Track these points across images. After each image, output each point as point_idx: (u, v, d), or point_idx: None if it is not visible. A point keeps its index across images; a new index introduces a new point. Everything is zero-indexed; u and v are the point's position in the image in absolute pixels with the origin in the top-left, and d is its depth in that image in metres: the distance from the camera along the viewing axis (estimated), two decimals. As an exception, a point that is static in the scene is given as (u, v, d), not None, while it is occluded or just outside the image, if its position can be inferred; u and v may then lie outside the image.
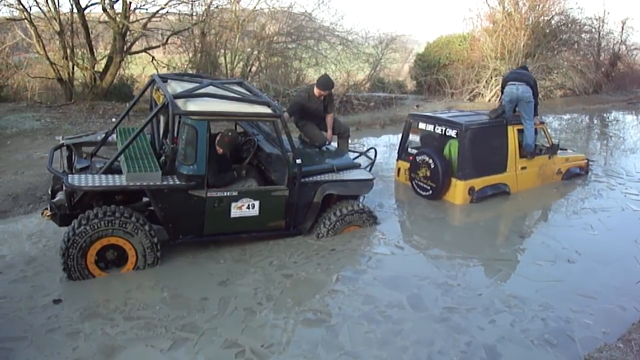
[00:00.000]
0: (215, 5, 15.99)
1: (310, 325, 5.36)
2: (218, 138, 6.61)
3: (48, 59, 15.06)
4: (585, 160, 10.92)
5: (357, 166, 7.81)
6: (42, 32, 15.32)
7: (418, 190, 9.23)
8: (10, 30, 16.39)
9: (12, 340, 4.94)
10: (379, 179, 10.37)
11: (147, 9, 15.76)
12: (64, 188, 6.02)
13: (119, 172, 6.13)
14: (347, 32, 18.23)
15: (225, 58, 15.97)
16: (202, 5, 15.78)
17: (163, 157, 6.46)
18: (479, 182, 8.99)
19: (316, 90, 7.93)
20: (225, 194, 6.39)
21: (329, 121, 8.35)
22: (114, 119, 12.95)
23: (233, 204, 6.45)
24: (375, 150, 8.75)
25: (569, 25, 21.60)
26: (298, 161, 6.65)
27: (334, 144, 8.62)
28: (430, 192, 8.99)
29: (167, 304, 5.63)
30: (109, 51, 16.01)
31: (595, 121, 18.71)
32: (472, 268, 6.79)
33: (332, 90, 8.35)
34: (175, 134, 6.22)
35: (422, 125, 9.56)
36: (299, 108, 8.06)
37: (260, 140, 7.45)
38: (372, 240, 7.47)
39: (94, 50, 15.85)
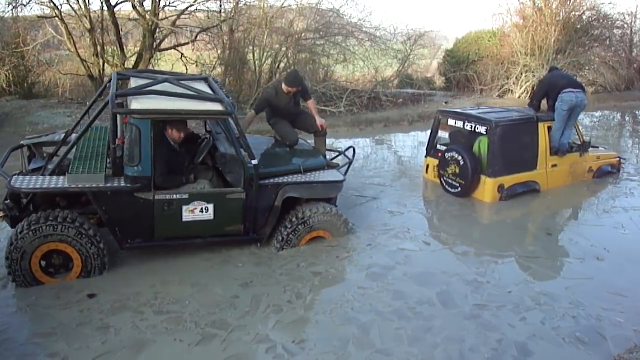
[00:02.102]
0: (244, 2, 16.07)
1: (342, 323, 5.37)
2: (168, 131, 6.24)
3: (79, 56, 15.29)
4: (617, 159, 10.76)
5: (335, 166, 7.55)
6: (73, 30, 15.56)
7: (447, 187, 9.18)
8: (42, 28, 16.67)
9: (41, 337, 5.01)
10: (406, 176, 10.38)
11: (176, 7, 15.92)
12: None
13: None
14: (376, 29, 18.15)
15: (253, 55, 16.02)
16: (230, 2, 15.88)
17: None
18: (508, 180, 8.90)
19: (284, 87, 7.54)
20: (175, 196, 6.01)
21: (312, 107, 8.06)
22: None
23: (184, 207, 6.07)
24: (354, 150, 8.22)
25: (601, 20, 21.27)
26: (254, 162, 6.22)
27: (309, 142, 8.23)
28: (460, 189, 8.94)
29: (197, 299, 5.69)
30: (138, 48, 16.18)
31: (627, 118, 18.43)
32: (501, 265, 6.75)
33: (304, 85, 7.97)
34: (121, 134, 5.98)
35: (451, 122, 9.51)
36: (267, 105, 7.70)
37: (220, 140, 6.99)
38: (400, 236, 7.47)
39: (124, 47, 16.04)
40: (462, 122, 9.25)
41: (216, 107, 6.09)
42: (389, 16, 46.09)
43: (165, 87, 6.22)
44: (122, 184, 5.82)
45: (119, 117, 5.97)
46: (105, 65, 15.61)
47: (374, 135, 14.42)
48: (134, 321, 5.26)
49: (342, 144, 13.12)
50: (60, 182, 5.70)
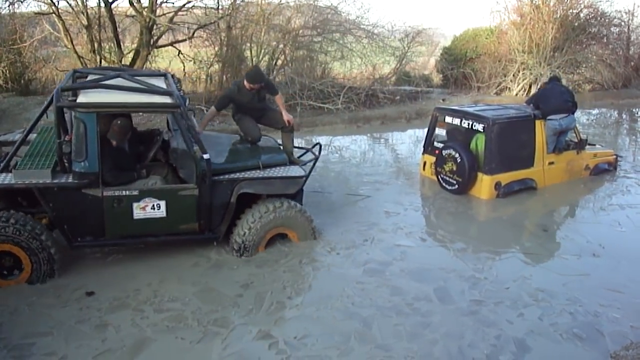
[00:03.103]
0: (241, -1, 16.06)
1: (343, 318, 5.41)
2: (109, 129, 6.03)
3: (76, 52, 15.23)
4: (614, 156, 10.77)
5: (300, 162, 7.43)
6: (70, 26, 15.51)
7: (444, 184, 9.19)
8: (39, 24, 16.61)
9: (39, 335, 5.01)
10: (403, 173, 10.38)
11: (173, 3, 15.92)
12: None
13: None
14: (373, 26, 18.17)
15: (251, 52, 16.02)
16: (227, -1, 15.86)
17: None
18: (505, 177, 8.92)
19: (246, 83, 7.26)
20: (124, 193, 5.84)
21: (279, 102, 7.81)
22: (141, 112, 13.05)
23: (135, 205, 5.90)
24: (320, 146, 7.89)
25: (598, 18, 21.23)
26: (206, 156, 6.00)
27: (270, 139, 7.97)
28: (456, 186, 8.95)
29: (197, 297, 5.72)
30: (135, 45, 16.14)
31: (624, 116, 18.44)
32: (498, 261, 6.78)
33: (266, 80, 7.66)
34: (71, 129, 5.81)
35: (448, 119, 9.51)
36: (228, 102, 7.52)
37: (176, 136, 6.67)
38: (397, 233, 7.51)
39: (121, 44, 15.99)
40: (459, 120, 9.25)
41: (163, 99, 5.97)
42: (387, 13, 46.19)
43: (118, 82, 6.11)
44: (70, 180, 5.69)
45: (70, 112, 5.85)
46: (102, 61, 15.55)
47: (371, 132, 14.43)
48: (133, 319, 5.27)
49: (340, 141, 13.16)
50: (6, 179, 5.60)
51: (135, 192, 5.89)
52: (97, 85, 5.94)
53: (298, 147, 8.34)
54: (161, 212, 6.02)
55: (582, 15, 20.73)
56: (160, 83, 6.55)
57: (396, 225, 7.74)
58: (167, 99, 5.96)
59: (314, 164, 7.61)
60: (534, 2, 19.90)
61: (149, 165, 6.64)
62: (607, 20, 21.56)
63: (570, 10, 20.13)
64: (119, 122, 6.03)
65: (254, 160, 6.69)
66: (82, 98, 5.67)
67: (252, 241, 6.49)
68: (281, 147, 7.60)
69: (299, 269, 6.36)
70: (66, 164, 5.77)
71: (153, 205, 5.97)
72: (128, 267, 6.28)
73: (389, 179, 10.05)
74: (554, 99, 9.34)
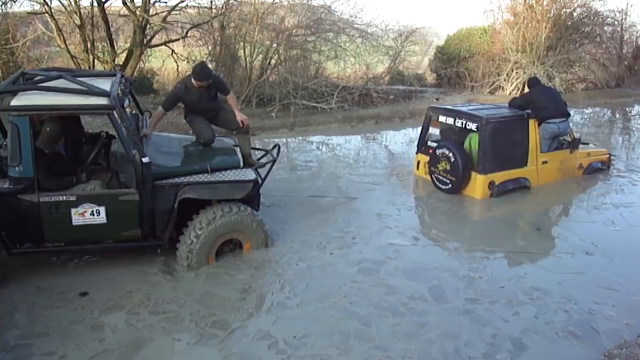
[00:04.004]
0: (235, -2, 16.03)
1: (341, 317, 5.42)
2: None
3: (69, 52, 15.16)
4: (607, 155, 10.78)
5: (260, 166, 7.19)
6: (63, 26, 15.41)
7: (437, 183, 9.18)
8: (32, 24, 16.51)
9: (35, 336, 4.99)
10: (397, 172, 10.38)
11: (166, 2, 15.79)
12: None
13: None
14: (367, 25, 18.11)
15: (244, 51, 15.98)
16: (221, -2, 15.83)
17: None
18: (499, 176, 8.92)
19: (193, 81, 6.87)
20: (61, 198, 5.59)
21: (231, 102, 7.42)
22: (133, 111, 13.01)
23: (73, 210, 5.63)
24: (279, 148, 7.59)
25: (591, 17, 21.27)
26: (145, 160, 5.71)
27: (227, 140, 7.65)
28: (450, 185, 8.95)
29: (195, 299, 5.71)
30: (129, 44, 16.08)
31: (617, 115, 18.47)
32: (492, 260, 6.78)
33: (215, 78, 7.25)
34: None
35: (442, 119, 9.50)
36: (175, 101, 7.09)
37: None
38: (390, 232, 7.52)
39: (114, 43, 15.91)
40: (452, 119, 9.25)
41: (98, 101, 5.64)
42: (380, 12, 46.07)
43: (58, 83, 5.80)
44: (6, 185, 5.53)
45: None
46: (96, 61, 15.50)
47: (364, 132, 14.41)
48: (128, 320, 5.26)
49: (334, 140, 13.17)
50: None
51: (73, 198, 5.65)
52: (34, 87, 5.69)
53: (256, 149, 8.12)
54: (101, 218, 5.76)
55: (575, 14, 20.78)
56: (105, 84, 6.14)
57: (390, 225, 7.74)
58: (102, 101, 5.62)
59: (272, 167, 7.35)
60: (527, 1, 19.92)
61: (92, 169, 6.35)
62: (600, 19, 21.62)
63: (564, 10, 20.18)
64: (47, 128, 5.76)
65: (202, 164, 6.35)
66: (15, 101, 5.46)
67: (200, 250, 6.12)
68: (236, 149, 7.16)
69: (294, 270, 6.35)
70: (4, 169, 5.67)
71: (92, 211, 5.71)
72: (119, 269, 6.23)
73: (383, 179, 10.05)
74: (548, 102, 9.31)
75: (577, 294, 5.92)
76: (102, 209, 5.73)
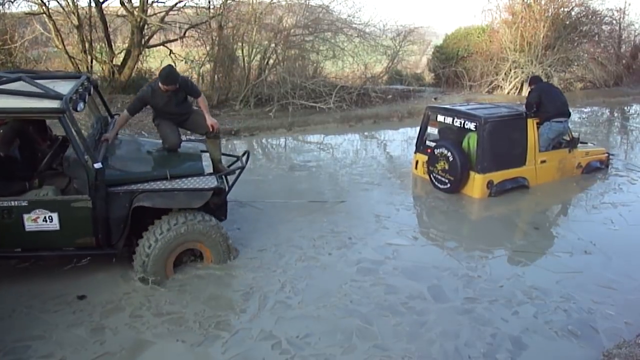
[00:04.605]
0: (233, -2, 16.03)
1: (343, 315, 5.43)
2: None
3: (67, 53, 15.18)
4: (606, 154, 10.79)
5: (227, 172, 6.87)
6: (61, 26, 15.45)
7: (436, 183, 9.18)
8: (29, 25, 16.51)
9: (32, 339, 4.97)
10: (395, 172, 10.37)
11: (164, 2, 15.87)
12: None
13: None
14: (365, 25, 18.13)
15: (242, 51, 15.98)
16: (219, -2, 15.83)
17: None
18: (497, 176, 8.92)
19: (161, 85, 6.55)
20: (13, 203, 5.39)
21: (202, 105, 6.98)
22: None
23: (26, 216, 5.44)
24: (248, 155, 7.18)
25: (589, 16, 21.31)
26: (97, 165, 5.47)
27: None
28: (449, 185, 8.94)
29: (194, 300, 5.70)
30: (127, 45, 16.11)
31: (615, 114, 18.50)
32: (491, 260, 6.77)
33: (183, 81, 6.85)
34: None
35: (440, 118, 9.50)
36: (141, 105, 6.79)
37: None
38: (389, 231, 7.52)
39: (112, 44, 15.96)
40: (451, 118, 9.25)
41: (50, 104, 5.39)
42: (379, 12, 46.09)
43: (16, 85, 5.61)
44: None
45: None
46: (94, 61, 15.52)
47: (363, 132, 14.43)
48: (130, 322, 5.25)
49: (332, 140, 13.16)
50: None
51: (25, 203, 5.44)
52: None
53: (227, 155, 7.78)
54: (54, 225, 5.55)
55: (573, 13, 20.82)
56: (66, 86, 5.92)
57: (388, 224, 7.74)
58: (54, 104, 5.36)
59: (240, 173, 6.93)
60: (525, 0, 19.95)
61: (50, 174, 6.20)
62: (598, 18, 21.66)
63: (562, 9, 20.21)
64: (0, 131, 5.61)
65: (161, 170, 6.10)
66: None
67: (156, 260, 5.85)
68: (202, 155, 6.88)
69: (293, 270, 6.34)
70: None
71: (45, 217, 5.50)
72: (118, 271, 6.18)
73: (381, 178, 10.04)
74: (555, 99, 9.34)
75: (576, 293, 5.92)
76: (55, 215, 5.53)
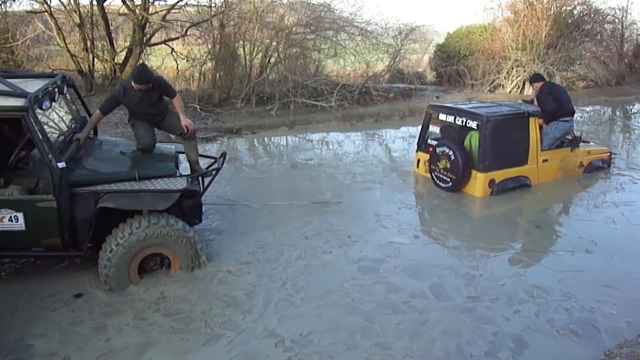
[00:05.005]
0: (234, -3, 16.02)
1: (345, 313, 5.44)
2: None
3: (68, 51, 15.20)
4: (608, 153, 10.75)
5: (203, 172, 6.76)
6: (63, 25, 15.47)
7: (437, 182, 9.17)
8: (31, 23, 16.54)
9: (35, 337, 4.98)
10: (397, 171, 10.36)
11: (166, 1, 15.86)
12: None
13: None
14: (367, 23, 18.08)
15: (244, 49, 15.97)
16: (220, -4, 15.82)
17: None
18: (499, 175, 8.91)
19: (133, 84, 6.38)
20: None
21: (176, 105, 6.72)
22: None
23: None
24: (225, 156, 7.02)
25: (592, 15, 21.24)
26: (60, 165, 5.37)
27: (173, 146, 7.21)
28: (450, 184, 8.93)
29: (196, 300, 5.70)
30: (128, 43, 16.13)
31: (618, 113, 18.44)
32: (492, 258, 6.77)
33: (157, 80, 6.71)
34: None
35: (442, 117, 9.49)
36: (113, 105, 6.58)
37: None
38: (390, 230, 7.52)
39: (114, 42, 15.97)
40: (453, 117, 9.23)
41: (12, 102, 5.31)
42: (380, 10, 46.03)
43: None
44: None
45: None
46: (95, 60, 15.53)
47: (364, 130, 14.40)
48: (134, 320, 5.26)
49: (333, 138, 13.14)
50: None
51: None
52: None
53: (205, 156, 7.64)
54: (20, 225, 5.48)
55: (575, 12, 20.75)
56: (37, 85, 5.88)
57: (389, 223, 7.74)
58: (18, 102, 5.30)
59: (215, 175, 6.81)
60: (527, -1, 19.91)
61: (18, 174, 6.11)
62: (600, 17, 21.59)
63: (564, 7, 20.14)
64: None
65: (130, 171, 5.98)
66: None
67: (119, 263, 5.69)
68: (176, 157, 6.76)
69: (293, 268, 6.34)
70: None
71: (10, 217, 5.44)
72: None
73: (383, 177, 10.03)
74: (565, 100, 9.37)
75: (577, 292, 5.92)
76: (21, 215, 5.46)
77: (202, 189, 6.56)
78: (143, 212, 5.79)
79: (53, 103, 5.96)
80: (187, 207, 6.13)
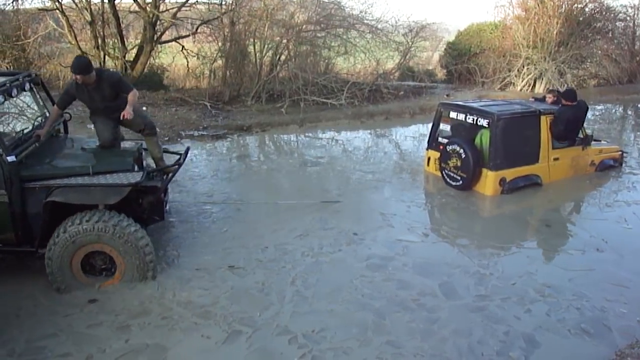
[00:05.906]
0: (245, -6, 16.04)
1: (356, 309, 5.46)
2: None
3: (80, 48, 15.24)
4: (620, 152, 10.69)
5: (166, 167, 6.64)
6: (74, 22, 15.54)
7: (448, 180, 9.15)
8: (43, 21, 16.62)
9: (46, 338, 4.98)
10: (407, 169, 10.34)
11: (176, -1, 15.90)
12: None
13: None
14: (377, 21, 18.05)
15: (254, 47, 15.99)
16: (231, -6, 15.84)
17: None
18: (510, 173, 8.87)
19: (75, 76, 6.11)
20: None
21: (130, 98, 6.28)
22: (144, 108, 13.07)
23: None
24: (187, 152, 6.81)
25: (603, 13, 21.13)
26: (10, 158, 5.28)
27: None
28: (461, 182, 8.91)
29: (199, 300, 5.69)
30: (139, 40, 16.17)
31: (629, 112, 18.35)
32: (503, 257, 6.76)
33: (111, 75, 6.50)
34: None
35: (453, 115, 9.46)
36: (68, 99, 6.42)
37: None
38: (399, 228, 7.53)
39: (125, 39, 16.03)
40: (463, 115, 9.20)
41: None
42: (391, 8, 45.88)
43: None
44: None
45: None
46: (106, 57, 15.59)
47: (374, 128, 14.37)
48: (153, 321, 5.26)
49: (343, 136, 13.12)
50: None
51: None
52: None
53: (170, 152, 7.46)
54: None
55: (587, 9, 20.66)
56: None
57: (399, 221, 7.73)
58: None
59: (175, 173, 6.65)
60: (538, -4, 19.82)
61: None
62: (612, 14, 21.48)
63: (575, 5, 20.04)
64: None
65: (84, 166, 5.76)
66: None
67: (59, 259, 5.52)
68: (133, 152, 6.48)
69: (303, 265, 6.36)
70: None
71: None
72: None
73: (393, 175, 10.03)
74: (575, 131, 9.46)
75: (588, 291, 5.90)
76: None
77: (164, 185, 6.40)
78: (100, 208, 5.64)
79: (11, 99, 5.96)
80: (148, 204, 6.07)
